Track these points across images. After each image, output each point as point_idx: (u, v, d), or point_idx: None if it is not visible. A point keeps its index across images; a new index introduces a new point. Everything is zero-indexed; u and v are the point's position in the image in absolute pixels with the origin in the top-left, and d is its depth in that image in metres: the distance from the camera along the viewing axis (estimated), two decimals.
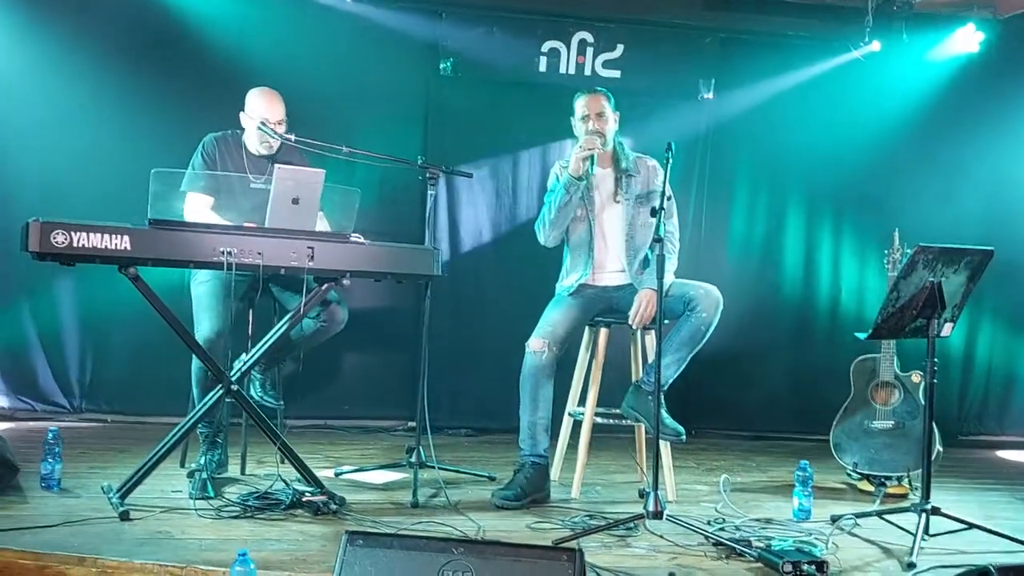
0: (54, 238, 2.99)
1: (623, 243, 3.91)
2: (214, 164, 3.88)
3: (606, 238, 3.92)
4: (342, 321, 3.89)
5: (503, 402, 5.30)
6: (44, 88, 4.86)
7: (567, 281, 3.96)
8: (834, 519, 3.49)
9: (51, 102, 4.86)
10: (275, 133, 3.82)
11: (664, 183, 3.42)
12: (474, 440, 5.13)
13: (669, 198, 3.61)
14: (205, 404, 3.45)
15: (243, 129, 3.95)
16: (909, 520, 3.31)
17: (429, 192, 3.86)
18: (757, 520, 3.55)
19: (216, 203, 3.84)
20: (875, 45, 5.38)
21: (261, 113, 3.86)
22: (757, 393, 5.61)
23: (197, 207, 3.80)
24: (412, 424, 4.78)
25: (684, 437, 3.72)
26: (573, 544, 2.97)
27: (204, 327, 3.64)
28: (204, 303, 3.70)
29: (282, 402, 3.99)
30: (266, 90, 3.94)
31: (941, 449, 4.18)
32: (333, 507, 3.35)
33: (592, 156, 3.77)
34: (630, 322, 3.81)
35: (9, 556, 2.73)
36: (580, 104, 3.89)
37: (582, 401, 3.97)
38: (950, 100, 5.52)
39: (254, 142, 3.93)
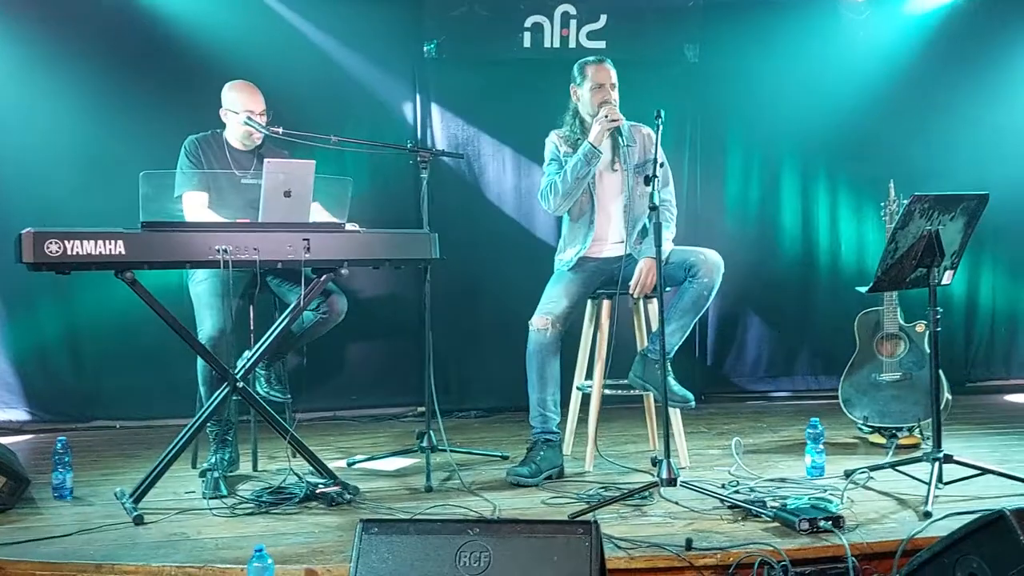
0: (48, 247, 2.98)
1: (622, 214, 3.90)
2: (200, 165, 3.87)
3: (606, 209, 3.90)
4: (342, 312, 3.88)
5: (511, 382, 5.31)
6: (29, 97, 4.83)
7: (566, 255, 3.94)
8: (847, 474, 3.50)
9: (36, 111, 4.83)
10: (262, 127, 3.80)
11: (655, 150, 3.40)
12: (484, 421, 5.13)
13: (662, 165, 3.58)
14: (212, 403, 3.45)
15: (223, 127, 3.93)
16: (923, 470, 3.31)
17: (422, 176, 3.84)
18: (771, 480, 3.56)
19: (210, 201, 3.83)
20: None
21: (244, 105, 3.85)
22: (763, 353, 5.61)
23: (195, 206, 3.78)
24: (421, 409, 4.79)
25: (693, 403, 3.72)
26: (588, 517, 2.97)
27: (207, 326, 3.63)
28: (204, 301, 3.69)
29: (290, 395, 3.99)
30: (243, 83, 3.93)
31: (950, 397, 4.18)
32: (347, 497, 3.36)
33: (619, 128, 3.74)
34: (631, 291, 3.80)
35: (26, 568, 2.74)
36: (593, 71, 3.82)
37: (589, 374, 3.97)
38: (939, 48, 5.47)
39: (236, 136, 3.91)
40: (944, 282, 3.36)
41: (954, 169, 5.29)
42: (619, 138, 3.84)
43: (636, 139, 3.92)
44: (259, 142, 3.93)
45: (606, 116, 3.70)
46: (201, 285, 3.73)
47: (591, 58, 3.90)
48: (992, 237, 5.46)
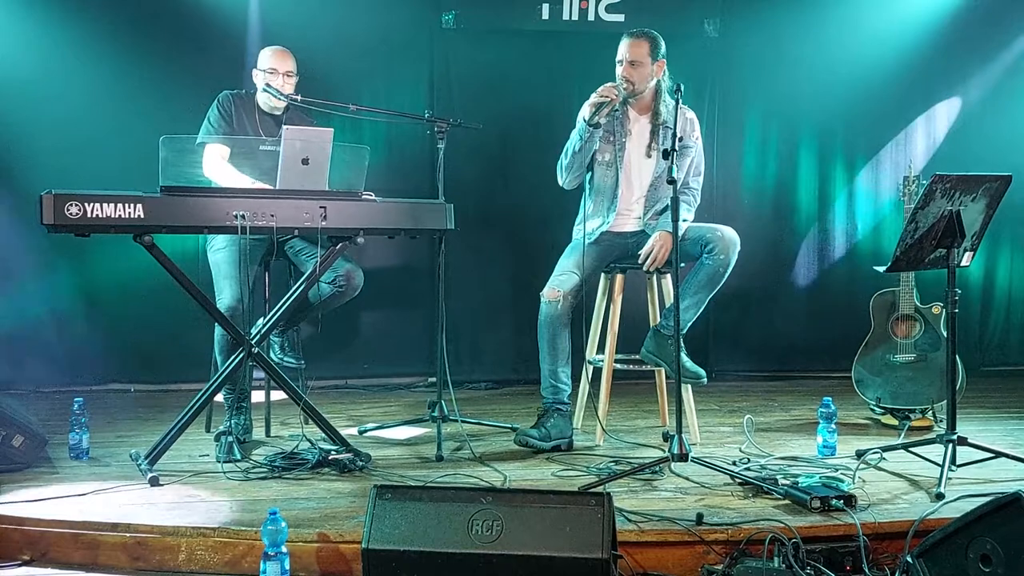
0: (68, 210, 2.99)
1: (646, 193, 3.87)
2: (230, 118, 3.87)
3: (632, 187, 3.87)
4: (358, 286, 3.89)
5: (522, 354, 5.34)
6: (49, 62, 4.82)
7: (587, 226, 3.90)
8: (860, 454, 3.49)
9: (57, 75, 4.83)
10: (280, 93, 3.79)
11: (675, 124, 3.38)
12: (495, 393, 5.14)
13: (682, 139, 3.54)
14: (227, 367, 3.46)
15: (256, 89, 3.93)
16: (935, 452, 3.30)
17: (438, 146, 3.82)
18: (783, 458, 3.55)
19: (231, 156, 3.83)
20: None
21: (270, 64, 3.86)
22: (776, 332, 5.59)
23: (215, 157, 3.77)
24: (432, 379, 4.81)
25: (705, 380, 3.71)
26: (600, 489, 2.98)
27: (226, 295, 3.63)
28: (223, 271, 3.69)
29: (303, 361, 4.00)
30: (277, 47, 3.95)
31: (965, 379, 4.16)
32: (359, 464, 3.38)
33: (601, 104, 3.69)
34: (641, 263, 3.78)
35: (43, 526, 2.78)
36: (620, 47, 3.79)
37: (601, 348, 3.96)
38: (964, 27, 5.40)
39: (264, 99, 3.92)
40: (963, 264, 3.33)
41: (976, 151, 5.23)
42: (657, 120, 3.80)
43: (678, 122, 3.87)
44: (282, 109, 3.93)
45: (596, 91, 3.68)
46: (220, 253, 3.73)
47: (629, 32, 3.84)
48: (1011, 220, 5.41)
